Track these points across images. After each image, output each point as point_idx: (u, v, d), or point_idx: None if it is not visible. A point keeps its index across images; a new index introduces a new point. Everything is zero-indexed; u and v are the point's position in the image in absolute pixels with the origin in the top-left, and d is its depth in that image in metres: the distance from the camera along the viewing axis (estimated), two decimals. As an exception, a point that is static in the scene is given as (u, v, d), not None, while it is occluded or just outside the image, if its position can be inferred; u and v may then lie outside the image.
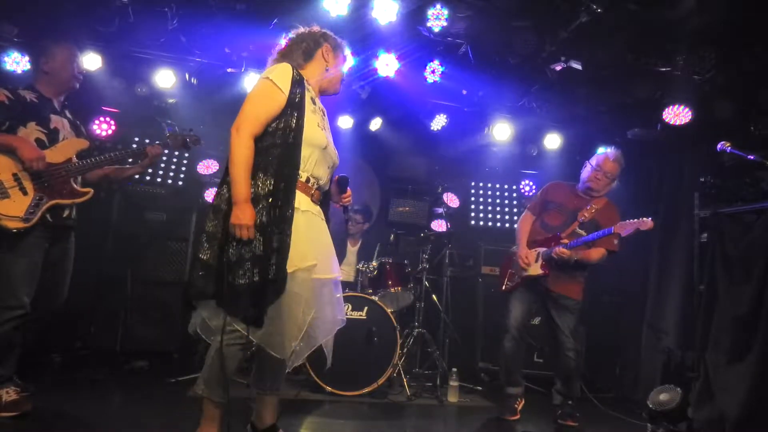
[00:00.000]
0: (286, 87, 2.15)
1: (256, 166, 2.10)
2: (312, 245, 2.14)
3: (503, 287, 3.82)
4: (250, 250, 2.02)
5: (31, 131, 2.81)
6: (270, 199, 2.06)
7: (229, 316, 2.02)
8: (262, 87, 2.16)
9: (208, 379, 2.10)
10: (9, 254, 2.68)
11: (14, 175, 2.69)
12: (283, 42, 2.40)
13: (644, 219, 3.30)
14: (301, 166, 2.16)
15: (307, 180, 2.20)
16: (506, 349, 3.68)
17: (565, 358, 3.56)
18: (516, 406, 3.69)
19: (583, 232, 3.53)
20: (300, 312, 2.08)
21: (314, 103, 2.29)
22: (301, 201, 2.15)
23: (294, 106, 2.16)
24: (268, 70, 2.21)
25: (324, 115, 2.37)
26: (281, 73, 2.18)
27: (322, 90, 2.42)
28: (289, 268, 2.03)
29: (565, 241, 3.50)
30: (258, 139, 2.13)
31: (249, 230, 2.01)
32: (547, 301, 3.65)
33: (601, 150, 3.74)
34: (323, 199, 2.37)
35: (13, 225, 2.63)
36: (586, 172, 3.73)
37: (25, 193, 2.70)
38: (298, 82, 2.20)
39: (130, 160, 3.25)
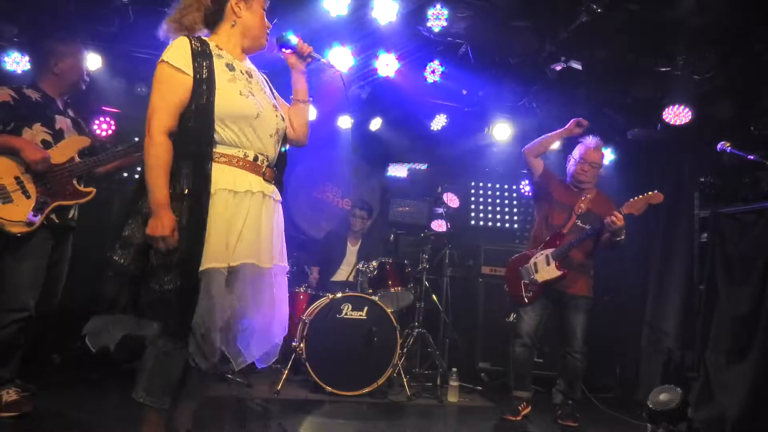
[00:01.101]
0: (188, 66, 1.86)
1: (177, 159, 1.84)
2: (253, 233, 1.90)
3: (525, 300, 3.63)
4: (169, 253, 1.80)
5: (37, 132, 2.77)
6: (188, 194, 1.83)
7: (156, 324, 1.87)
8: (162, 74, 1.86)
9: (149, 388, 1.95)
10: (13, 257, 2.68)
11: (16, 178, 2.66)
12: (176, 10, 2.01)
13: (651, 192, 3.32)
14: (240, 144, 1.92)
15: (255, 158, 1.95)
16: (517, 354, 3.65)
17: (573, 359, 3.55)
18: (520, 408, 3.66)
19: (585, 226, 3.53)
20: (219, 312, 1.83)
21: (232, 69, 1.97)
22: (253, 182, 1.92)
23: (202, 82, 1.87)
24: (165, 50, 1.89)
25: (250, 77, 2.05)
26: (177, 52, 1.87)
27: (244, 49, 2.11)
28: (207, 264, 1.80)
29: (567, 233, 3.55)
30: (175, 132, 1.87)
31: (168, 240, 1.78)
32: (560, 303, 3.63)
33: (581, 141, 3.73)
34: (277, 177, 2.09)
35: (17, 230, 2.62)
36: (570, 166, 3.75)
37: (28, 196, 2.68)
38: (199, 54, 1.89)
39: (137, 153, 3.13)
